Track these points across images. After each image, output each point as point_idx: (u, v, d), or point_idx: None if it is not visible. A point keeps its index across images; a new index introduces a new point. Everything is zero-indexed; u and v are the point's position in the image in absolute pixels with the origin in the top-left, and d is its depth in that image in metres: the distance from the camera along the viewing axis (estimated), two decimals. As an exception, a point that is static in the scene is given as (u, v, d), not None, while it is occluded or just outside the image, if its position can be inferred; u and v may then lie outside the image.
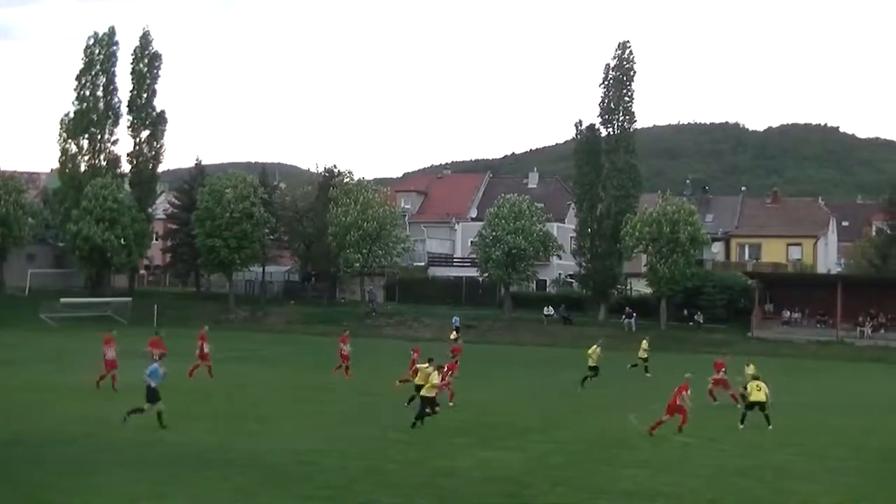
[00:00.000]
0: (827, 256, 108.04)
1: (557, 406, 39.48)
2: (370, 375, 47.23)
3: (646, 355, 55.06)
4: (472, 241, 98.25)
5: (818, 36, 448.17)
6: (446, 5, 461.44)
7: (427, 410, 31.77)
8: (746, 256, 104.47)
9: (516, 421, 34.82)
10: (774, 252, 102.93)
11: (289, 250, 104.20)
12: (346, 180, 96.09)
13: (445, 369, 35.66)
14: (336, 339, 51.29)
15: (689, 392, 32.39)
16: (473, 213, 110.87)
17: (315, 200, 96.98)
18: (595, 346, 48.31)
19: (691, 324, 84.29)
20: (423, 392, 32.57)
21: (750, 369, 48.99)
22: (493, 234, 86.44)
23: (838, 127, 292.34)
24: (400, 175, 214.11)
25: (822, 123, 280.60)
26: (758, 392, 34.40)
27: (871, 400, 44.95)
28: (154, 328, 54.53)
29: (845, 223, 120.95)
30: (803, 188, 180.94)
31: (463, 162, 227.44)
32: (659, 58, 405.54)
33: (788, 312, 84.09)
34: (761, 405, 34.23)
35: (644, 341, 57.16)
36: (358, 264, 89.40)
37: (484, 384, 47.25)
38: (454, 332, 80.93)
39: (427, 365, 34.02)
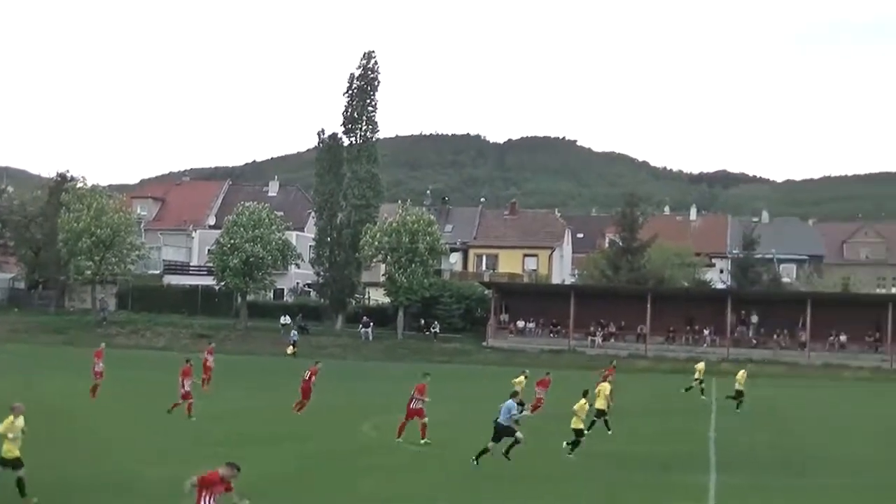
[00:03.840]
0: (562, 267, 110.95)
1: (291, 416, 38.89)
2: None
3: (701, 377, 52.14)
4: (209, 249, 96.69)
5: (557, 50, 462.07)
6: (189, 6, 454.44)
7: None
8: (484, 266, 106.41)
9: (253, 431, 34.37)
10: (511, 262, 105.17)
11: (14, 256, 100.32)
12: (79, 185, 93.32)
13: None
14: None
15: (424, 395, 32.58)
16: (212, 221, 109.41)
17: (45, 205, 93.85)
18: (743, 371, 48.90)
19: (428, 333, 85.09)
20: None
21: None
22: (231, 241, 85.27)
23: (576, 141, 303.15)
24: (137, 181, 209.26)
25: (561, 137, 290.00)
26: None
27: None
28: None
29: (580, 235, 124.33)
30: (541, 199, 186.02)
31: (203, 169, 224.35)
32: (402, 68, 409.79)
33: (523, 322, 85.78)
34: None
35: (701, 364, 54.47)
36: (89, 272, 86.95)
37: (216, 396, 46.02)
38: (291, 347, 79.10)
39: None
